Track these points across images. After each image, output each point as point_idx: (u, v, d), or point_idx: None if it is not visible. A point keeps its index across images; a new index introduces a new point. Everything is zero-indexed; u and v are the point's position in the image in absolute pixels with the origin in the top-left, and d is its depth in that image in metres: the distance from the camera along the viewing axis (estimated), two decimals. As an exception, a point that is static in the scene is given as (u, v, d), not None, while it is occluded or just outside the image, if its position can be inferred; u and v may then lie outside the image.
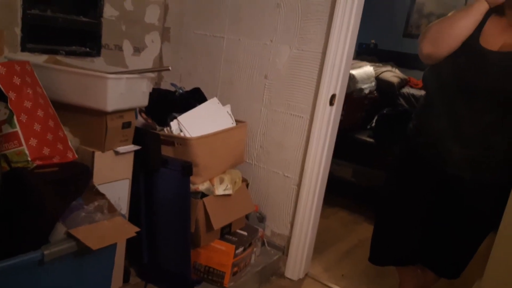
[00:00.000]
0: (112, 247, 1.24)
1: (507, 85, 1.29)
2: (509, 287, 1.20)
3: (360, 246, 2.56)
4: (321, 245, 2.40)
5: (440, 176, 1.48)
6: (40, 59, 1.73)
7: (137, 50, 2.28)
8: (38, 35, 1.78)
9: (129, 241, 1.45)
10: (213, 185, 1.75)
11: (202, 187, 1.71)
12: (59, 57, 1.80)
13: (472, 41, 1.38)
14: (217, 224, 1.73)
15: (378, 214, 1.74)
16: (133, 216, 1.66)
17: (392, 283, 2.07)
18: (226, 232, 1.84)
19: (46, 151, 1.25)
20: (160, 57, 2.43)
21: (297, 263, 2.07)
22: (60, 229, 1.16)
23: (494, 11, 1.37)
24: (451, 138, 1.41)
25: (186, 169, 1.61)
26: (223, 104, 1.92)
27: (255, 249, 1.97)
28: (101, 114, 1.42)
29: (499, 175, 1.35)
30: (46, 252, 1.05)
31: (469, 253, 1.55)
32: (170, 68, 1.66)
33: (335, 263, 2.34)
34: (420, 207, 1.57)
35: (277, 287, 2.02)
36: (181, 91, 1.97)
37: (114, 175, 1.54)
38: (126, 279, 1.73)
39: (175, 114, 1.73)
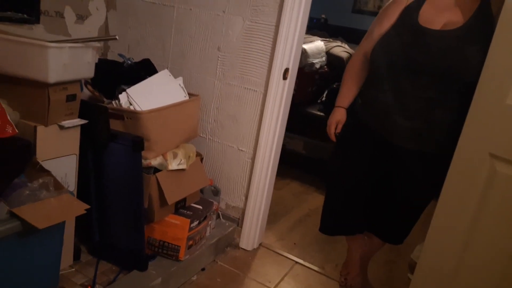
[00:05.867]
0: (60, 226, 1.20)
1: (448, 63, 1.36)
2: (447, 251, 1.31)
3: (310, 215, 2.67)
4: (274, 215, 2.47)
5: (386, 148, 1.55)
6: (-32, 24, 1.57)
7: (81, 17, 2.14)
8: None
9: (79, 219, 1.40)
10: (166, 160, 1.72)
11: (155, 162, 1.68)
12: (-9, 23, 1.65)
13: (412, 21, 1.43)
14: (171, 199, 1.71)
15: (328, 187, 1.81)
16: (83, 193, 1.60)
17: (341, 249, 2.20)
18: (180, 207, 1.83)
19: (-19, 125, 1.16)
20: (106, 26, 2.30)
21: (251, 234, 2.12)
22: (2, 209, 1.10)
23: None
24: (397, 112, 1.47)
25: (137, 144, 1.57)
26: (175, 76, 1.86)
27: (210, 222, 1.99)
28: (43, 86, 1.33)
29: (440, 147, 1.44)
30: (-13, 233, 0.99)
31: (412, 220, 1.66)
32: (117, 37, 1.57)
33: (288, 232, 2.42)
34: (367, 178, 1.65)
35: (232, 257, 2.06)
36: (129, 62, 1.89)
37: (59, 151, 1.47)
38: (76, 257, 1.69)
39: (123, 87, 1.65)
